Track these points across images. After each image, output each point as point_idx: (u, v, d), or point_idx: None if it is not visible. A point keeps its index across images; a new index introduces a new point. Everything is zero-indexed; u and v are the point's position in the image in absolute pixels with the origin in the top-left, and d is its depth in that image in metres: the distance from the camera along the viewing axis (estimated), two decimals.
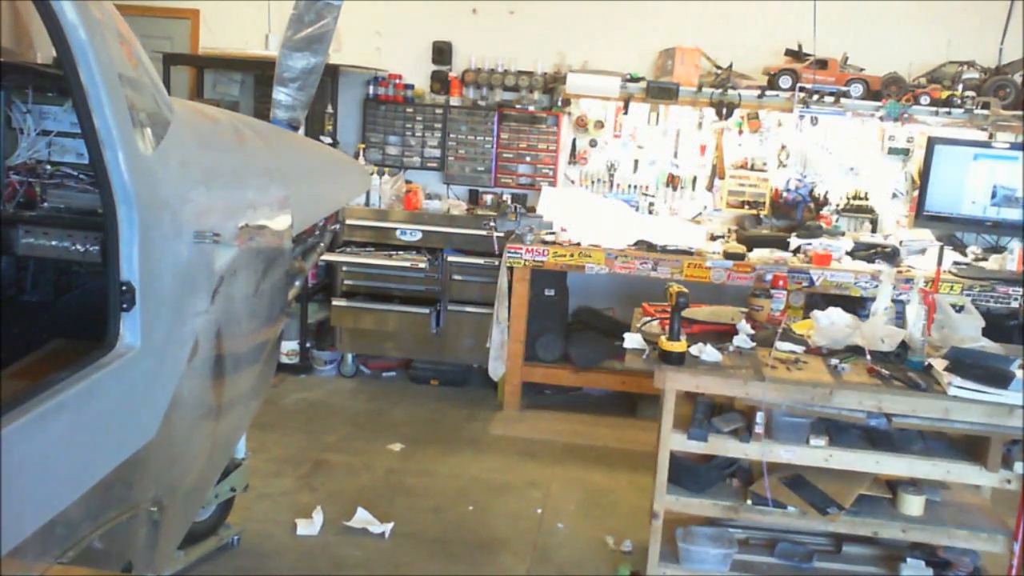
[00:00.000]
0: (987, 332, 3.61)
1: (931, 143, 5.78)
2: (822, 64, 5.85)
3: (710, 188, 6.32)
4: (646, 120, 6.27)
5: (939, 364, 3.28)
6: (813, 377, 3.29)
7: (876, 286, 5.19)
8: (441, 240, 6.04)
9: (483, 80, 6.33)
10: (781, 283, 4.03)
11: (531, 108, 6.36)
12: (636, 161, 6.36)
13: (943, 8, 6.05)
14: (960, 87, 5.77)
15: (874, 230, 6.14)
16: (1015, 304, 5.18)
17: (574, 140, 6.41)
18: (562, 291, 6.00)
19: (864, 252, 5.59)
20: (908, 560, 3.58)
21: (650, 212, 6.33)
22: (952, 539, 3.41)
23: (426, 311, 6.07)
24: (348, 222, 6.02)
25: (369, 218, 6.07)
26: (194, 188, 2.27)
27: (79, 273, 2.82)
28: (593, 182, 6.40)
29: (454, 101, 6.46)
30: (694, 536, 3.64)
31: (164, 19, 6.67)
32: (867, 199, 6.21)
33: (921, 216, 5.85)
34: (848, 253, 5.62)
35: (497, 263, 5.74)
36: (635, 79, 6.04)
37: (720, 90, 5.93)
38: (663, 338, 3.37)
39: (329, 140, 5.96)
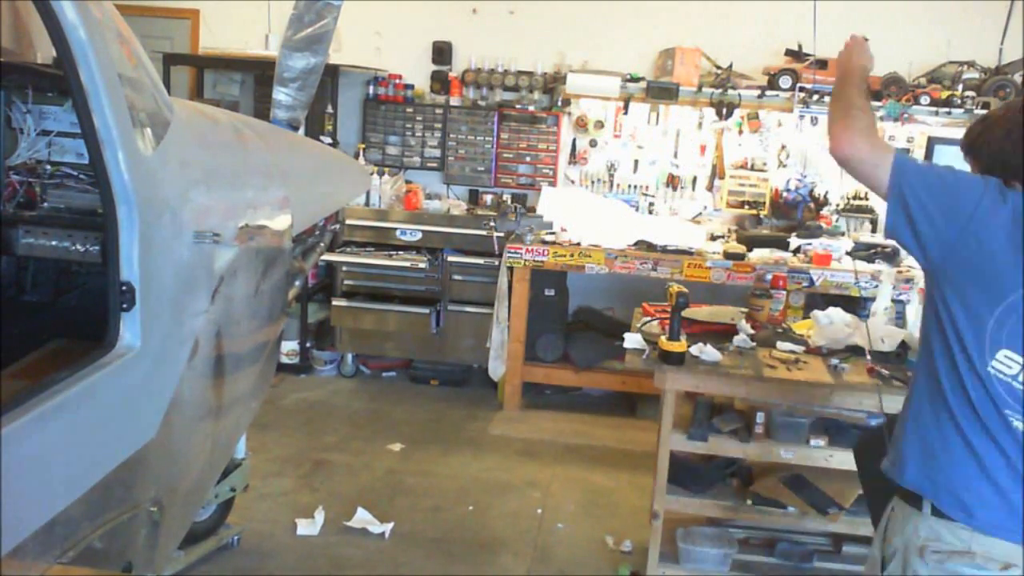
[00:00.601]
0: None
1: (931, 143, 5.77)
2: (822, 64, 5.84)
3: (710, 188, 6.32)
4: (646, 120, 6.27)
5: None
6: (813, 377, 3.29)
7: (876, 286, 5.19)
8: (441, 240, 6.04)
9: (483, 80, 6.33)
10: (781, 283, 4.04)
11: (531, 108, 6.36)
12: (636, 161, 6.36)
13: (943, 8, 6.05)
14: (960, 87, 5.77)
15: (874, 230, 6.14)
16: None
17: (574, 140, 6.41)
18: (562, 291, 5.99)
19: (864, 252, 5.59)
20: None
21: (650, 212, 6.33)
22: None
23: (426, 311, 6.07)
24: (348, 222, 6.03)
25: (369, 218, 6.07)
26: (194, 188, 2.27)
27: (79, 273, 2.82)
28: (593, 182, 6.40)
29: (454, 101, 6.46)
30: (694, 536, 3.65)
31: (164, 19, 6.67)
32: (867, 199, 6.20)
33: None
34: (848, 253, 5.62)
35: (497, 263, 5.74)
36: (635, 79, 6.04)
37: (720, 90, 5.93)
38: (663, 338, 3.37)
39: (329, 140, 5.96)
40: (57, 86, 2.58)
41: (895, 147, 1.96)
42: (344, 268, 6.14)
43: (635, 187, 6.37)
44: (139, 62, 2.06)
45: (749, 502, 3.53)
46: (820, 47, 5.87)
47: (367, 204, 6.09)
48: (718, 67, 6.08)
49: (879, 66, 5.89)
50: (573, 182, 6.43)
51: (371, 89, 6.44)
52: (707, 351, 3.41)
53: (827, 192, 6.19)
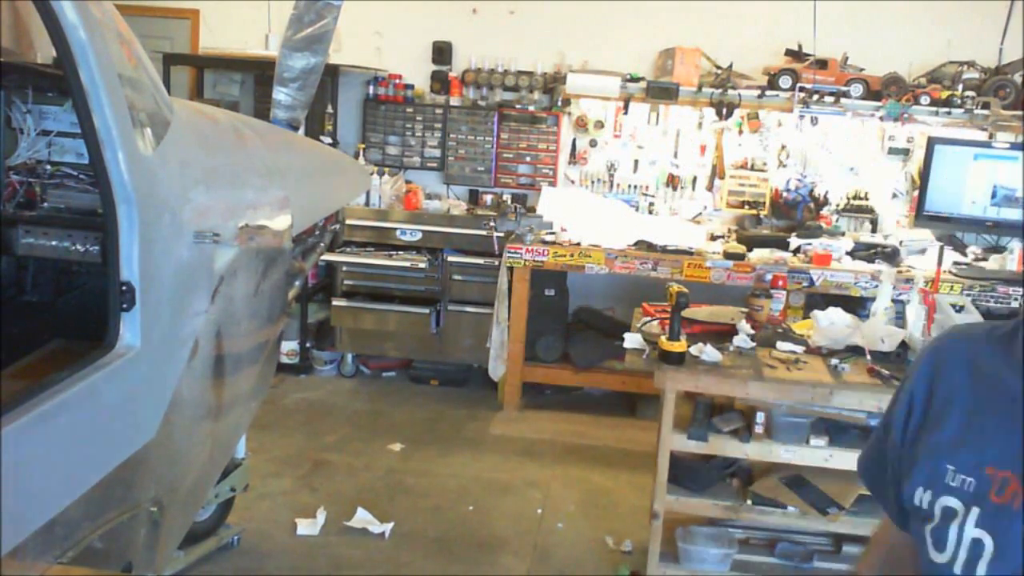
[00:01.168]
0: None
1: (931, 143, 5.78)
2: (822, 64, 5.85)
3: (710, 188, 6.32)
4: (646, 120, 6.27)
5: None
6: (813, 377, 3.29)
7: (876, 286, 5.18)
8: (441, 240, 6.04)
9: (483, 80, 6.33)
10: (781, 283, 4.03)
11: (531, 108, 6.36)
12: (636, 161, 6.36)
13: (943, 8, 6.05)
14: (960, 87, 5.77)
15: (874, 230, 6.14)
16: (1015, 304, 5.17)
17: (574, 140, 6.41)
18: (562, 291, 6.00)
19: (864, 252, 5.59)
20: None
21: (650, 212, 6.32)
22: None
23: (426, 311, 6.07)
24: (348, 222, 6.01)
25: (369, 218, 6.07)
26: (194, 188, 2.27)
27: (79, 273, 2.82)
28: (593, 182, 6.40)
29: (454, 101, 6.46)
30: (694, 536, 3.65)
31: (164, 19, 6.66)
32: (867, 199, 6.21)
33: (921, 216, 5.84)
34: (848, 253, 5.62)
35: (497, 263, 5.74)
36: (635, 79, 6.03)
37: (720, 90, 5.93)
38: (663, 338, 3.37)
39: (329, 140, 5.96)
40: (57, 86, 2.58)
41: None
42: (344, 268, 6.14)
43: (635, 187, 6.37)
44: (139, 62, 2.06)
45: (749, 502, 3.53)
46: (820, 47, 5.93)
47: (367, 204, 6.09)
48: (718, 67, 6.08)
49: (879, 66, 5.94)
50: (573, 182, 6.43)
51: (371, 89, 6.44)
52: (707, 351, 3.41)
53: (827, 192, 6.19)
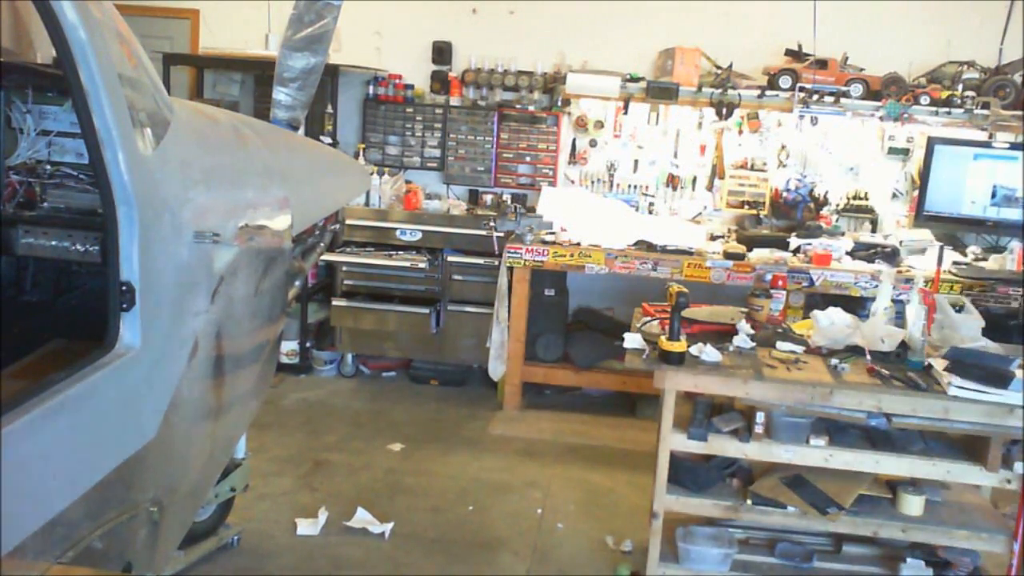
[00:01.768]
0: (987, 332, 3.61)
1: (931, 143, 5.78)
2: (822, 64, 5.85)
3: (710, 188, 6.32)
4: (646, 120, 6.27)
5: (939, 364, 3.28)
6: (813, 377, 3.29)
7: (876, 286, 5.19)
8: (441, 240, 6.04)
9: (483, 80, 6.33)
10: (781, 283, 4.03)
11: (531, 108, 6.36)
12: (636, 161, 6.36)
13: (943, 8, 6.05)
14: (960, 87, 5.77)
15: (874, 230, 6.14)
16: (1015, 304, 5.17)
17: (574, 140, 6.41)
18: (562, 291, 6.00)
19: (864, 252, 5.59)
20: (908, 560, 3.58)
21: (650, 212, 6.33)
22: (952, 539, 3.41)
23: (426, 311, 6.07)
24: (348, 222, 6.02)
25: (369, 218, 6.07)
26: (194, 188, 2.27)
27: (79, 273, 2.82)
28: (593, 182, 6.40)
29: (454, 101, 6.46)
30: (694, 536, 3.65)
31: (164, 19, 6.67)
32: (867, 199, 6.21)
33: (921, 216, 5.84)
34: (848, 253, 5.62)
35: (497, 263, 5.74)
36: (635, 79, 6.04)
37: (720, 90, 5.93)
38: (663, 338, 3.37)
39: (329, 140, 5.96)
40: (57, 86, 2.58)
41: None
42: (344, 268, 6.14)
43: (635, 187, 6.37)
44: (139, 62, 2.06)
45: (749, 502, 3.53)
46: (820, 47, 5.93)
47: (367, 204, 6.10)
48: (718, 67, 6.08)
49: (879, 66, 5.94)
50: (573, 182, 6.43)
51: (371, 89, 6.45)
52: (707, 351, 3.41)
53: (827, 192, 6.19)
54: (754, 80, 6.03)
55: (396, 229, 6.06)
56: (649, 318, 3.81)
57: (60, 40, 1.67)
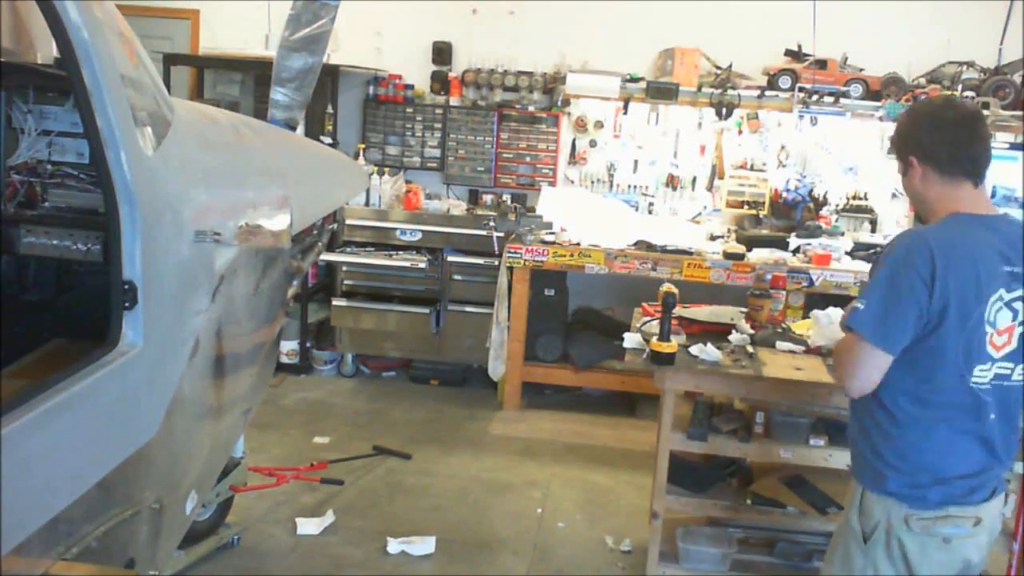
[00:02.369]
0: None
1: None
2: (822, 64, 5.86)
3: (710, 188, 6.33)
4: (646, 120, 6.27)
5: None
6: (813, 377, 3.29)
7: None
8: (441, 240, 6.04)
9: (483, 80, 6.33)
10: (781, 283, 4.04)
11: (531, 108, 6.36)
12: (636, 161, 6.36)
13: (943, 8, 6.06)
14: (959, 87, 5.78)
15: (874, 230, 6.15)
16: None
17: (574, 140, 6.41)
18: (562, 291, 6.00)
19: (864, 252, 5.60)
20: None
21: (650, 212, 6.33)
22: None
23: (426, 311, 6.07)
24: (348, 222, 6.03)
25: (369, 218, 6.07)
26: (195, 187, 2.27)
27: (80, 272, 2.82)
28: (593, 182, 6.41)
29: (454, 101, 6.47)
30: (694, 536, 3.65)
31: (164, 19, 6.67)
32: (866, 199, 6.21)
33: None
34: (848, 253, 5.63)
35: (497, 263, 5.75)
36: (635, 79, 6.04)
37: (720, 90, 5.94)
38: (654, 339, 3.38)
39: (329, 140, 5.96)
40: (57, 86, 2.59)
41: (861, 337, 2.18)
42: (344, 268, 6.15)
43: (635, 187, 6.38)
44: (140, 62, 2.06)
45: (749, 502, 3.54)
46: (820, 47, 5.93)
47: (367, 204, 6.10)
48: (718, 67, 6.09)
49: (879, 66, 5.93)
50: (573, 182, 6.43)
51: (371, 89, 6.45)
52: (707, 351, 3.41)
53: (826, 192, 6.19)
54: (754, 80, 6.04)
55: (396, 229, 6.06)
56: (648, 318, 3.82)
57: (63, 40, 1.68)
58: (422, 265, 5.95)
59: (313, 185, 3.83)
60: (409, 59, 6.50)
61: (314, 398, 5.85)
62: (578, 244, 5.65)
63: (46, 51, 2.94)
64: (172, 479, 2.23)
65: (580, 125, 6.34)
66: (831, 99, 5.81)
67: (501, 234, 5.78)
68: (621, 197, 6.33)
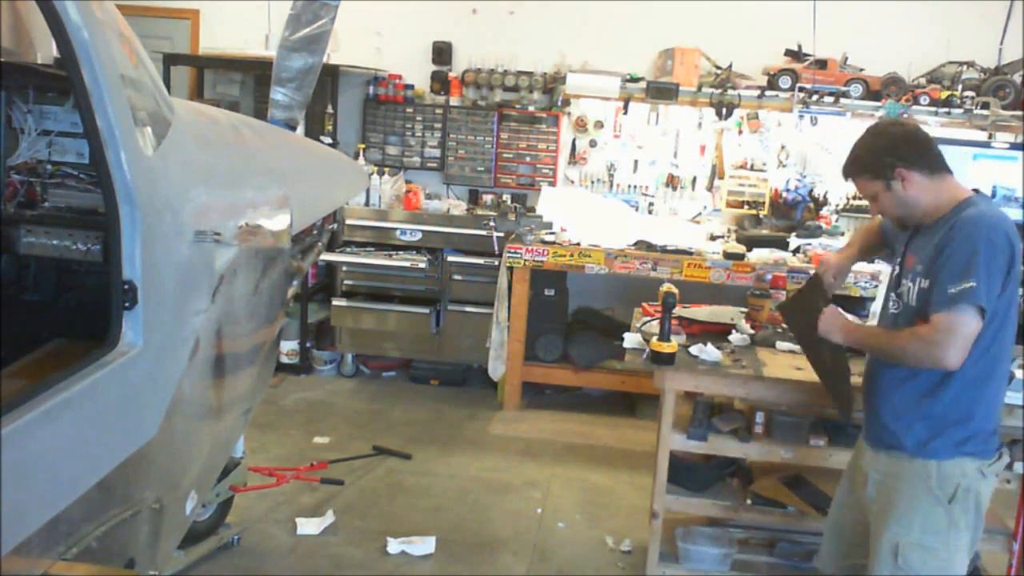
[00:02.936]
0: None
1: None
2: (822, 64, 5.86)
3: (710, 188, 6.33)
4: (646, 120, 6.27)
5: None
6: (813, 377, 3.29)
7: (876, 286, 5.20)
8: (441, 240, 6.05)
9: (483, 80, 6.33)
10: (781, 283, 4.04)
11: (531, 108, 6.37)
12: (636, 161, 6.36)
13: (943, 8, 6.06)
14: (960, 87, 5.78)
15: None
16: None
17: (574, 140, 6.41)
18: (562, 291, 6.00)
19: None
20: None
21: (650, 212, 6.33)
22: None
23: (426, 311, 6.07)
24: (348, 222, 6.04)
25: (369, 218, 6.07)
26: (195, 187, 2.27)
27: (80, 272, 2.82)
28: (593, 182, 6.41)
29: (454, 101, 6.47)
30: (694, 536, 3.65)
31: (164, 19, 6.67)
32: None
33: None
34: None
35: (497, 263, 5.75)
36: (635, 79, 6.04)
37: (720, 90, 5.94)
38: (654, 339, 3.38)
39: (329, 140, 5.96)
40: (57, 86, 2.59)
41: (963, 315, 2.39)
42: (344, 268, 6.15)
43: (635, 187, 6.38)
44: (140, 62, 2.06)
45: (749, 502, 3.54)
46: (820, 47, 5.93)
47: (367, 204, 6.10)
48: (718, 67, 6.09)
49: (879, 66, 5.93)
50: (573, 182, 6.43)
51: (371, 89, 6.45)
52: (707, 351, 3.41)
53: (826, 192, 6.20)
54: (754, 80, 6.04)
55: (396, 229, 6.06)
56: (649, 318, 3.82)
57: (63, 40, 1.68)
58: (422, 265, 5.95)
59: (313, 185, 3.83)
60: (409, 59, 6.50)
61: (314, 398, 5.85)
62: (578, 244, 5.65)
63: (46, 51, 2.94)
64: (172, 479, 2.23)
65: (580, 125, 6.34)
66: (831, 99, 5.82)
67: (501, 234, 5.78)
68: (621, 197, 6.33)
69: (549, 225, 5.79)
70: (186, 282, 2.17)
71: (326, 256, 5.89)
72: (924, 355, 2.41)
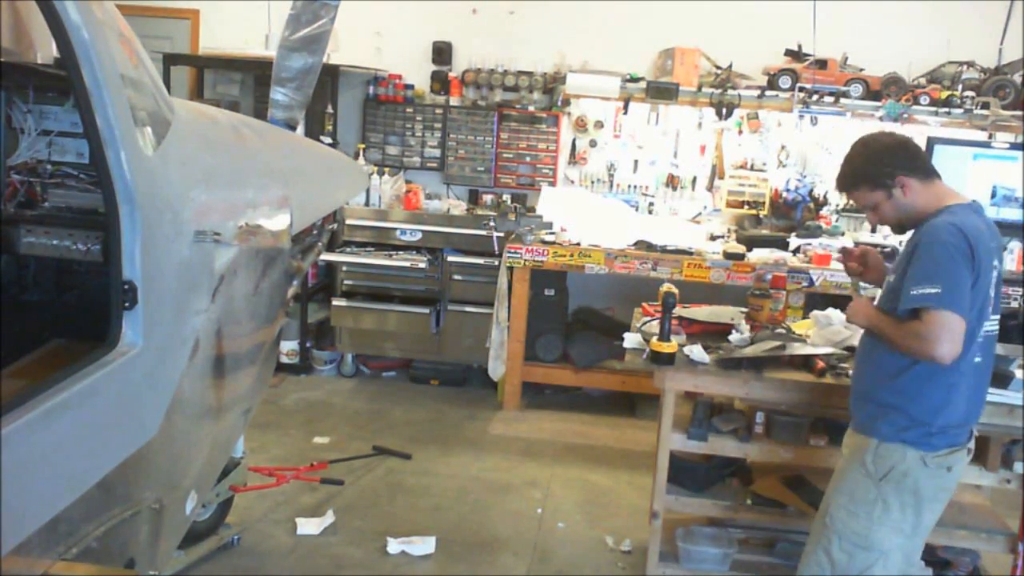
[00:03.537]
0: None
1: (930, 143, 5.77)
2: (822, 64, 5.86)
3: (710, 188, 6.33)
4: (646, 120, 6.27)
5: None
6: (813, 377, 3.29)
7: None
8: (441, 240, 6.05)
9: (483, 80, 6.33)
10: (781, 283, 4.04)
11: (531, 108, 6.37)
12: (636, 161, 6.36)
13: (943, 8, 6.06)
14: (960, 87, 5.78)
15: (873, 230, 6.13)
16: (1015, 304, 5.18)
17: (574, 140, 6.41)
18: (562, 291, 6.00)
19: None
20: None
21: (650, 212, 6.33)
22: (952, 539, 3.41)
23: (426, 311, 6.07)
24: (348, 222, 6.04)
25: (369, 218, 6.07)
26: (195, 187, 2.27)
27: (80, 272, 2.82)
28: (593, 182, 6.41)
29: (454, 101, 6.47)
30: (694, 536, 3.65)
31: (164, 19, 6.67)
32: None
33: None
34: None
35: (497, 263, 5.75)
36: (635, 79, 6.04)
37: (720, 90, 5.94)
38: (654, 339, 3.38)
39: (329, 140, 5.96)
40: (57, 86, 2.59)
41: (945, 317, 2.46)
42: (344, 268, 6.15)
43: (635, 187, 6.38)
44: (140, 62, 2.06)
45: (749, 502, 3.54)
46: (820, 47, 5.93)
47: (367, 204, 6.10)
48: (718, 67, 6.09)
49: (879, 66, 5.93)
50: (573, 182, 6.43)
51: (371, 89, 6.45)
52: (695, 352, 3.38)
53: (826, 192, 6.19)
54: (754, 80, 6.04)
55: (396, 229, 6.06)
56: (649, 318, 3.81)
57: (63, 40, 1.68)
58: (422, 265, 5.95)
59: (313, 185, 3.83)
60: (409, 59, 6.50)
61: (314, 398, 5.85)
62: (578, 244, 5.65)
63: (46, 51, 2.94)
64: (172, 479, 2.23)
65: (580, 125, 6.34)
66: (831, 99, 5.81)
67: (501, 234, 5.78)
68: (621, 197, 6.33)
69: (549, 225, 5.79)
70: (186, 282, 2.17)
71: (326, 256, 5.89)
72: (917, 348, 2.50)
